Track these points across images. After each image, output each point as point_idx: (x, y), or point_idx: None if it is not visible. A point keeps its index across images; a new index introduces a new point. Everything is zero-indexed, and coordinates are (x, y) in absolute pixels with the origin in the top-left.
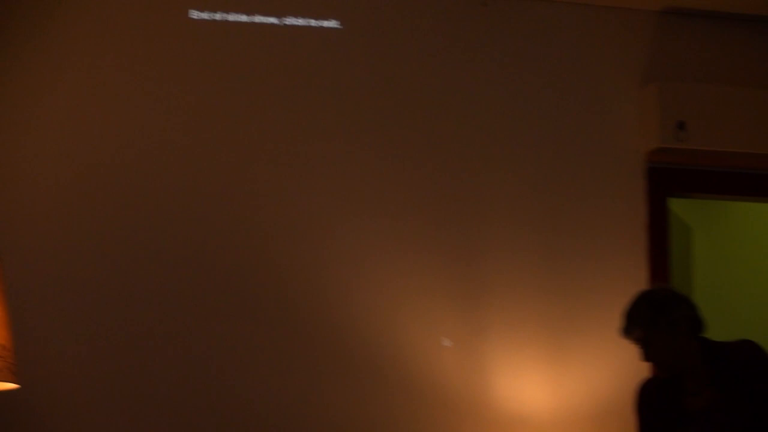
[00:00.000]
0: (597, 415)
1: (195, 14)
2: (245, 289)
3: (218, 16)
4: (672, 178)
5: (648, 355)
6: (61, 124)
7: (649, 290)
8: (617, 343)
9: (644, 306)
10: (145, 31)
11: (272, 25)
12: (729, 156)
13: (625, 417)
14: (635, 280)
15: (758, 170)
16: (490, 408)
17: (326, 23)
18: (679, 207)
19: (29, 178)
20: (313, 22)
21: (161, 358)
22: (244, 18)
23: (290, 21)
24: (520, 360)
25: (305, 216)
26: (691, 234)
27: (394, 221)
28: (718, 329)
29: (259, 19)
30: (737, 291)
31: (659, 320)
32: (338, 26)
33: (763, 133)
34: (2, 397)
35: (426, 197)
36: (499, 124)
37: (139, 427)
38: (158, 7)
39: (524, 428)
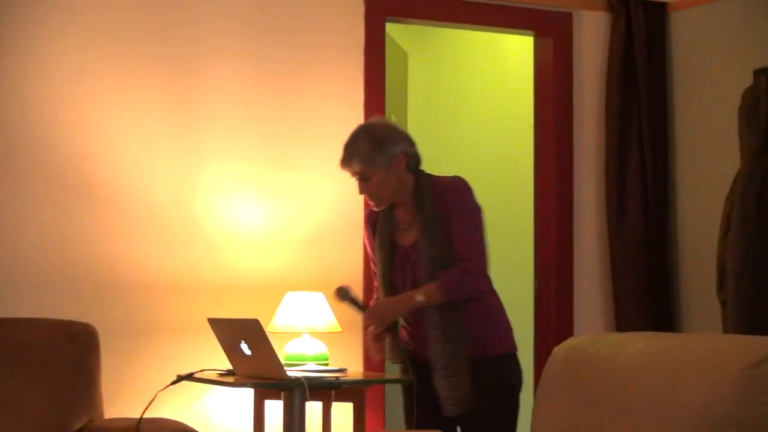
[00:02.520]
0: (312, 236)
1: None
2: None
3: None
4: (390, 2)
5: (365, 189)
6: None
7: (369, 124)
8: (334, 166)
9: (364, 140)
10: None
11: None
12: None
13: (341, 239)
14: (352, 102)
15: None
16: (203, 228)
17: None
18: (395, 31)
19: None
20: None
21: None
22: None
23: None
24: (236, 179)
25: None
26: (407, 59)
27: (106, 31)
28: (430, 153)
29: None
30: (449, 115)
31: (378, 155)
32: None
33: None
34: None
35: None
36: None
37: None
38: None
39: (237, 248)
